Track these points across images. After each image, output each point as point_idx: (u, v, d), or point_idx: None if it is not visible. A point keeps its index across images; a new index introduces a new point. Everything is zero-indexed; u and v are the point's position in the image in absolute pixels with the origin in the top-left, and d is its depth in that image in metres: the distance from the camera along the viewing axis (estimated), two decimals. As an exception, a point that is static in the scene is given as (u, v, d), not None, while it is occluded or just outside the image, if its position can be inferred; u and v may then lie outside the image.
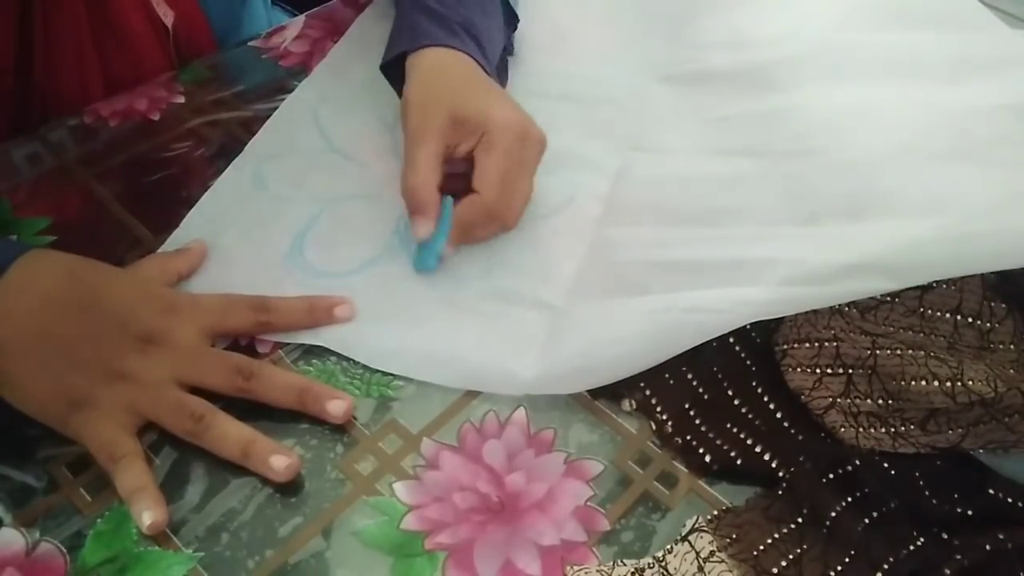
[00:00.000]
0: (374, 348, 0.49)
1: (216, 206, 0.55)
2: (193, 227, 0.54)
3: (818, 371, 0.47)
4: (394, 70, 0.58)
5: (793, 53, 0.64)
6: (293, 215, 0.55)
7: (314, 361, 0.48)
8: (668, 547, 0.41)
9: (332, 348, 0.49)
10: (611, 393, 0.48)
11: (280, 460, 0.43)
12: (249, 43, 0.69)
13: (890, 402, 0.46)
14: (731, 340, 0.50)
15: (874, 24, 0.66)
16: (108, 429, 0.43)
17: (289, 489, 0.43)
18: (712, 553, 0.41)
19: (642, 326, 0.47)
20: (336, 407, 0.45)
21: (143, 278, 0.48)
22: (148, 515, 0.40)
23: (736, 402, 0.48)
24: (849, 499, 0.43)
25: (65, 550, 0.40)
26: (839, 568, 0.40)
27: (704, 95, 0.63)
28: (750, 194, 0.55)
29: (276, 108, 0.63)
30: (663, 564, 0.41)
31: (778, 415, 0.47)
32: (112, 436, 0.42)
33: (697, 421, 0.47)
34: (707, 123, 0.61)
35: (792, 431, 0.46)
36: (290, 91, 0.64)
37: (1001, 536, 0.41)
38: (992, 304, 0.50)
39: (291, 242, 0.53)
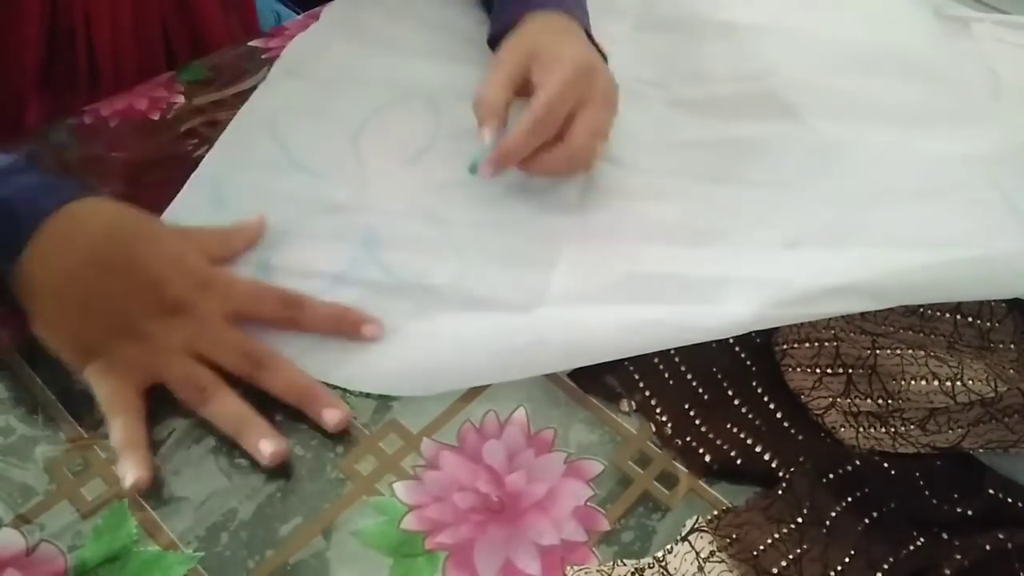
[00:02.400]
0: (350, 369, 0.48)
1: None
2: None
3: (818, 371, 0.47)
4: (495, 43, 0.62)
5: (765, 89, 0.65)
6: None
7: (314, 361, 0.48)
8: (668, 547, 0.41)
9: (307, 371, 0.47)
10: (611, 393, 0.48)
11: (267, 445, 0.43)
12: (249, 43, 0.69)
13: (890, 402, 0.46)
14: (731, 340, 0.50)
15: (840, 68, 0.67)
16: (116, 381, 0.44)
17: (289, 489, 0.43)
18: (712, 553, 0.41)
19: (623, 331, 0.48)
20: (331, 415, 0.45)
21: (186, 247, 0.49)
22: (131, 474, 0.42)
23: (736, 402, 0.48)
24: (849, 499, 0.43)
25: (65, 550, 0.40)
26: (839, 568, 0.40)
27: (671, 118, 0.64)
28: (723, 217, 0.56)
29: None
30: (663, 564, 0.41)
31: (778, 415, 0.47)
32: (117, 388, 0.44)
33: (697, 421, 0.47)
34: (673, 146, 0.61)
35: (792, 431, 0.46)
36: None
37: (1001, 536, 0.41)
38: (992, 303, 0.50)
39: (256, 263, 0.52)
